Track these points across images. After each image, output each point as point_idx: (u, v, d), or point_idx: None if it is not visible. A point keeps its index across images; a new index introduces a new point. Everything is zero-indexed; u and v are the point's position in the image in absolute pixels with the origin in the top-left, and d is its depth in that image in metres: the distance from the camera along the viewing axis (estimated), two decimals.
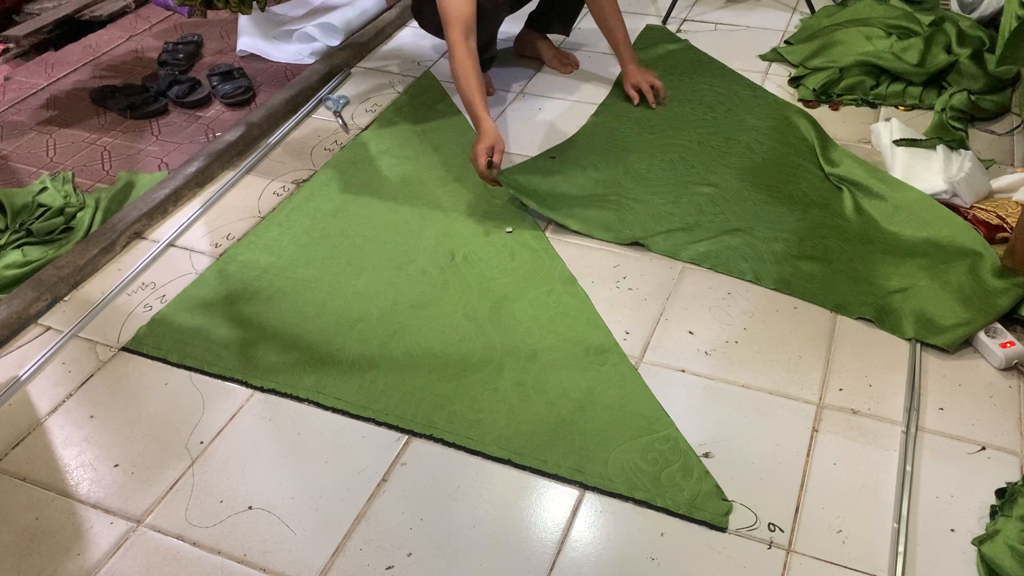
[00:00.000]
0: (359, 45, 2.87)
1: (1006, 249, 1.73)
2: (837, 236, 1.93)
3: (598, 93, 2.57)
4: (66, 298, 1.90)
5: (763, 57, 2.73)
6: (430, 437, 1.53)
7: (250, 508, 1.43)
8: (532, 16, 2.72)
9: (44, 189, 2.15)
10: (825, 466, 1.45)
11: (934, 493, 1.40)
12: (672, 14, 3.00)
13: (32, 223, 2.03)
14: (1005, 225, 1.87)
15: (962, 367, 1.62)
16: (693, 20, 3.01)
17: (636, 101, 2.47)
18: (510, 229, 2.02)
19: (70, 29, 3.13)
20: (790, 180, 2.11)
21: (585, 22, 3.00)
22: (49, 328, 1.83)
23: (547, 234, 2.01)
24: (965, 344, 1.66)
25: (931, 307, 1.71)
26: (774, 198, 2.06)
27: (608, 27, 2.48)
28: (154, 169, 2.31)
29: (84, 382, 1.69)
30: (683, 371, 1.64)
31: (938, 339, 1.65)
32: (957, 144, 2.10)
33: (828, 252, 1.88)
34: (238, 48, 2.88)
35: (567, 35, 2.81)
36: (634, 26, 2.89)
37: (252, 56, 2.87)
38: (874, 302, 1.75)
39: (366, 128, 2.47)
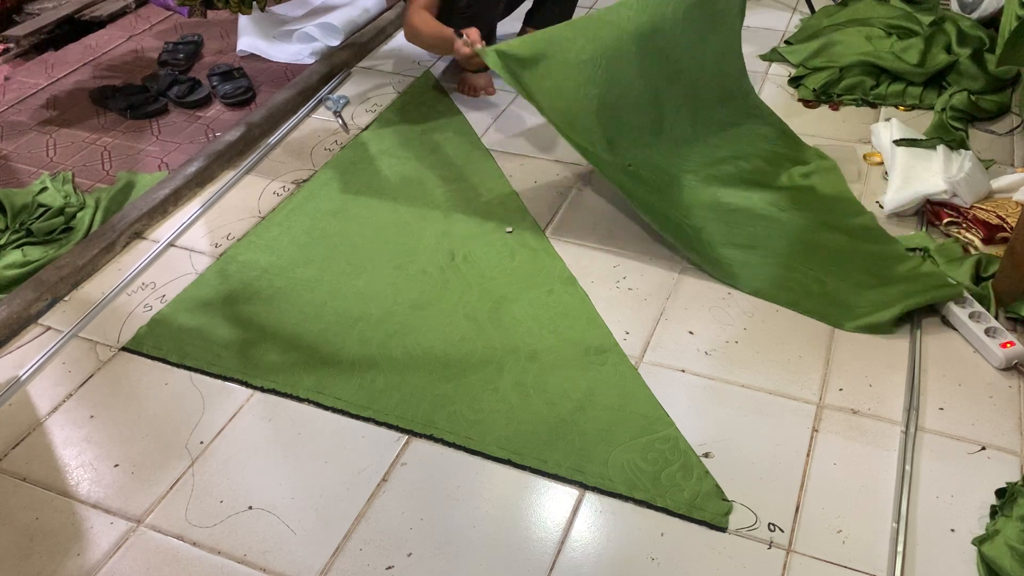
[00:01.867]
0: (359, 45, 2.87)
1: (1006, 249, 1.73)
2: (765, 224, 1.98)
3: None
4: (66, 298, 1.90)
5: (763, 57, 2.73)
6: (430, 437, 1.53)
7: (250, 508, 1.43)
8: (530, 12, 2.72)
9: (44, 189, 2.15)
10: (825, 466, 1.45)
11: (934, 493, 1.40)
12: None
13: (32, 223, 2.03)
14: (1005, 225, 1.87)
15: (962, 367, 1.62)
16: None
17: None
18: (510, 229, 2.02)
19: (70, 29, 3.13)
20: (729, 161, 2.18)
21: None
22: (49, 328, 1.83)
23: (547, 234, 2.01)
24: (965, 344, 1.66)
25: (850, 296, 1.77)
26: (705, 181, 2.12)
27: None
28: (154, 169, 2.31)
29: (84, 382, 1.69)
30: (683, 371, 1.64)
31: (854, 324, 1.71)
32: (957, 144, 2.10)
33: (754, 239, 1.93)
34: (238, 48, 2.88)
35: None
36: None
37: (252, 56, 2.87)
38: (796, 287, 1.80)
39: (366, 128, 2.47)
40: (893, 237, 1.92)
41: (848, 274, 1.82)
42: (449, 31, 2.25)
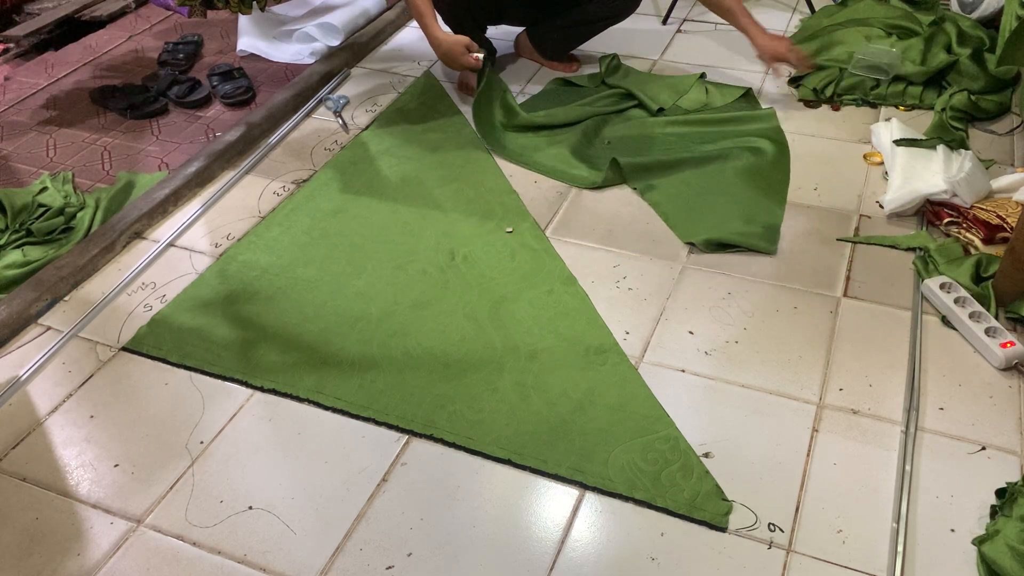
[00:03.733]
0: (359, 45, 2.87)
1: (1006, 249, 1.73)
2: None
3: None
4: (66, 298, 1.90)
5: None
6: (430, 437, 1.53)
7: (250, 508, 1.43)
8: (532, 33, 2.69)
9: (44, 189, 2.15)
10: (825, 466, 1.45)
11: (934, 493, 1.40)
12: (672, 14, 3.00)
13: (32, 223, 2.03)
14: (1005, 225, 1.87)
15: (962, 367, 1.62)
16: (693, 20, 3.01)
17: (780, 75, 2.55)
18: (510, 229, 2.02)
19: (70, 29, 3.13)
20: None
21: None
22: (49, 328, 1.83)
23: (547, 234, 2.01)
24: (965, 344, 1.66)
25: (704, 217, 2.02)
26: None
27: (726, 8, 2.45)
28: (154, 169, 2.31)
29: (84, 382, 1.69)
30: (683, 371, 1.64)
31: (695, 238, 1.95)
32: (957, 144, 2.10)
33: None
34: (238, 48, 2.88)
35: (559, 60, 2.73)
36: (634, 27, 2.89)
37: (252, 56, 2.87)
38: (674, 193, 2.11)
39: (366, 128, 2.47)
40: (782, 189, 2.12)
41: (724, 201, 2.07)
42: (433, 29, 2.33)
